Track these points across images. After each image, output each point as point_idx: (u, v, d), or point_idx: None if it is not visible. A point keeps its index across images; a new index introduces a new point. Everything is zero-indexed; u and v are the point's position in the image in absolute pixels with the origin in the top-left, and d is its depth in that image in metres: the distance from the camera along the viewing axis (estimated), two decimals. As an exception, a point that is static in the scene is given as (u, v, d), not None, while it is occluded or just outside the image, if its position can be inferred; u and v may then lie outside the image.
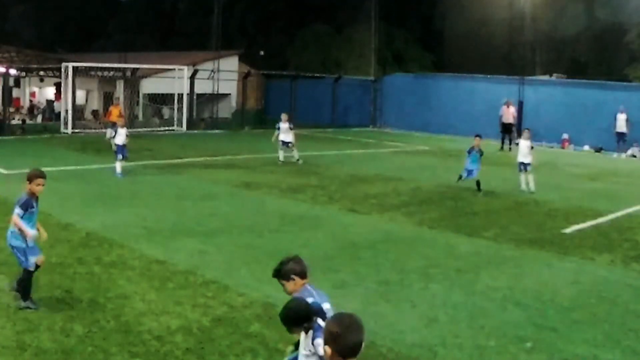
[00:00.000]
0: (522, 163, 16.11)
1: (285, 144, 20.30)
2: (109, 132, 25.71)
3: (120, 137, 17.04)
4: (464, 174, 15.84)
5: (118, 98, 31.52)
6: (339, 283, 8.36)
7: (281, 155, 20.09)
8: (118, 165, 16.76)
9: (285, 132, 20.31)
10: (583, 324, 7.30)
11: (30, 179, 7.31)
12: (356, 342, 3.27)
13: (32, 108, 38.89)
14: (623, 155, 26.79)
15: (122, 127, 17.33)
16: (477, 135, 16.26)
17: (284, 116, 20.77)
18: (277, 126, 20.46)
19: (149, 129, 29.13)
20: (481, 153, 15.75)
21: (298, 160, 19.98)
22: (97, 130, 29.24)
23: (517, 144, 18.59)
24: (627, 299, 8.25)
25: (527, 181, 15.97)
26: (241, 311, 7.20)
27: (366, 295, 7.93)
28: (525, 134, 16.76)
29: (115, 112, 26.34)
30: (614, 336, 6.96)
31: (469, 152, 15.80)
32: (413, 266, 9.26)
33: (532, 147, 16.23)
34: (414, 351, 6.38)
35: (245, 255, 9.55)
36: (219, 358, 6.06)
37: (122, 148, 16.94)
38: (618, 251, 10.60)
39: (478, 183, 15.60)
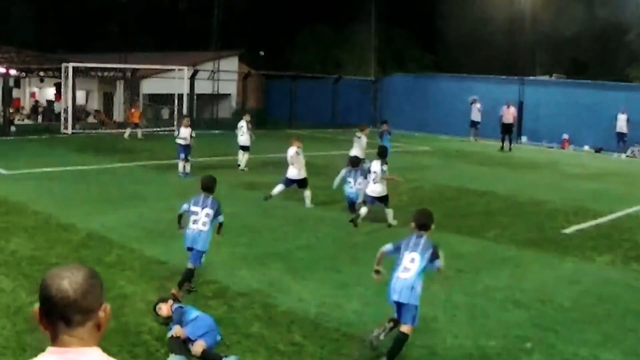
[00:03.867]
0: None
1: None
2: (128, 131, 26.75)
3: (184, 136, 17.04)
4: None
5: (137, 100, 32.40)
6: (339, 283, 8.37)
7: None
8: (180, 165, 16.86)
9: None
10: (583, 324, 7.30)
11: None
12: None
13: (35, 108, 38.85)
14: (623, 156, 26.80)
15: (186, 127, 17.15)
16: (383, 122, 19.08)
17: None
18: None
19: (149, 130, 29.12)
20: (389, 133, 18.56)
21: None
22: (97, 131, 29.29)
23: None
24: (627, 299, 8.25)
25: None
26: (241, 311, 7.20)
27: (366, 295, 7.93)
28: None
29: (136, 114, 27.97)
30: (614, 336, 6.96)
31: (381, 136, 18.06)
32: (413, 266, 9.26)
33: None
34: (414, 351, 6.38)
35: (245, 255, 9.55)
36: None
37: (184, 148, 16.92)
38: (618, 251, 10.61)
39: None
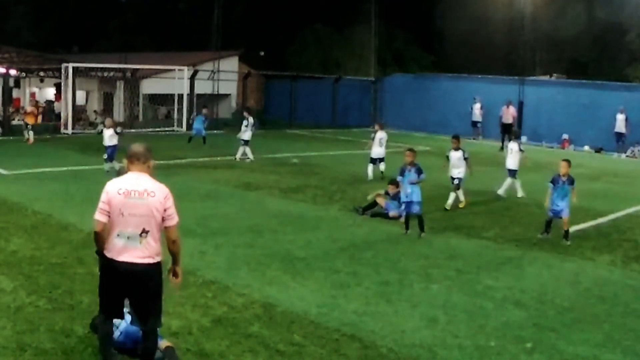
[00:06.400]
0: None
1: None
2: (27, 133, 24.05)
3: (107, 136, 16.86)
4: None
5: (33, 96, 29.87)
6: (339, 283, 8.36)
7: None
8: (109, 165, 16.78)
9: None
10: (583, 324, 7.30)
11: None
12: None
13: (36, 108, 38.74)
14: (623, 156, 26.81)
15: (109, 127, 16.99)
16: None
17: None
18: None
19: (149, 130, 29.13)
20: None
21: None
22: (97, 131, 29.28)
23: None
24: (627, 299, 8.25)
25: None
26: (241, 311, 7.20)
27: (366, 295, 7.94)
28: None
29: (31, 114, 25.57)
30: (614, 336, 6.96)
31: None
32: (413, 266, 9.27)
33: None
34: (414, 351, 6.38)
35: (245, 255, 9.55)
36: (218, 358, 6.05)
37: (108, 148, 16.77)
38: (618, 251, 10.62)
39: None
